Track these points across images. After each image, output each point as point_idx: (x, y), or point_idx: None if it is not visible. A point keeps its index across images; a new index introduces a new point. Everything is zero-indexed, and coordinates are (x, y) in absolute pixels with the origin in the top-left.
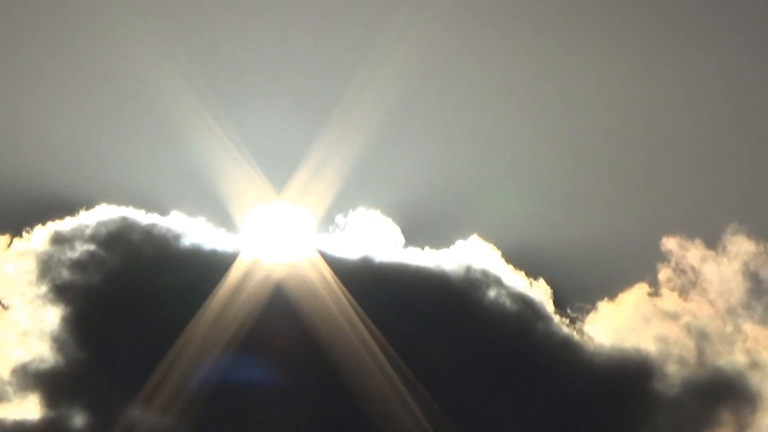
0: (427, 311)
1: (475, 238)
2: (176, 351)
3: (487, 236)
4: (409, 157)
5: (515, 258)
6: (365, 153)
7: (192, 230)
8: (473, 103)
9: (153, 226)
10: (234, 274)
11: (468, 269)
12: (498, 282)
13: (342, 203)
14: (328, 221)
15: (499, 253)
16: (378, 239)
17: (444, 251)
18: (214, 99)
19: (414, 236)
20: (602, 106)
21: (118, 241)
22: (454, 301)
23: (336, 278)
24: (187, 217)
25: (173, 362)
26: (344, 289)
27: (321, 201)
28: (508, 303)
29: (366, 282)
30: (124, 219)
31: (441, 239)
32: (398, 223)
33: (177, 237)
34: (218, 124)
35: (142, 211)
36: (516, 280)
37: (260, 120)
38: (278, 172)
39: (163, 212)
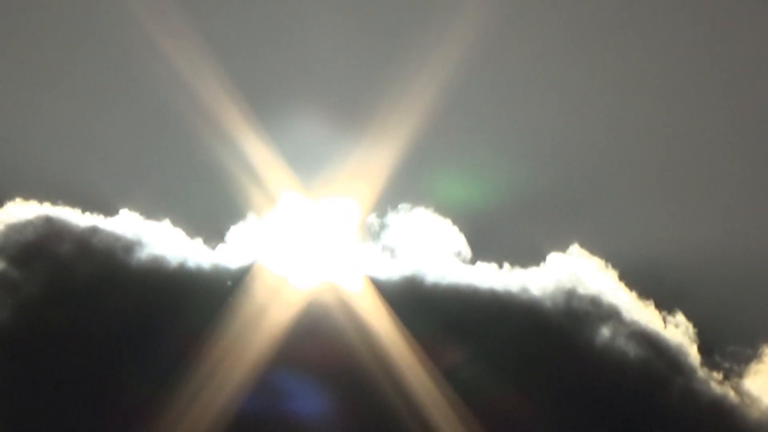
0: (510, 356)
1: (576, 251)
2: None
3: (594, 248)
4: (478, 136)
5: (639, 280)
6: (416, 130)
7: (153, 238)
8: (572, 67)
9: (93, 231)
10: (225, 305)
11: (569, 296)
12: (614, 315)
13: (381, 199)
14: (359, 224)
15: (614, 274)
16: (433, 250)
17: (532, 270)
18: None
19: (487, 247)
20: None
21: (40, 254)
22: (549, 342)
23: (382, 306)
24: (144, 219)
25: None
26: (392, 322)
27: (352, 196)
28: (630, 347)
29: (415, 312)
30: (48, 221)
31: (527, 252)
32: (463, 228)
33: (129, 248)
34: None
35: (77, 211)
36: (642, 314)
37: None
38: (292, 157)
39: (109, 211)
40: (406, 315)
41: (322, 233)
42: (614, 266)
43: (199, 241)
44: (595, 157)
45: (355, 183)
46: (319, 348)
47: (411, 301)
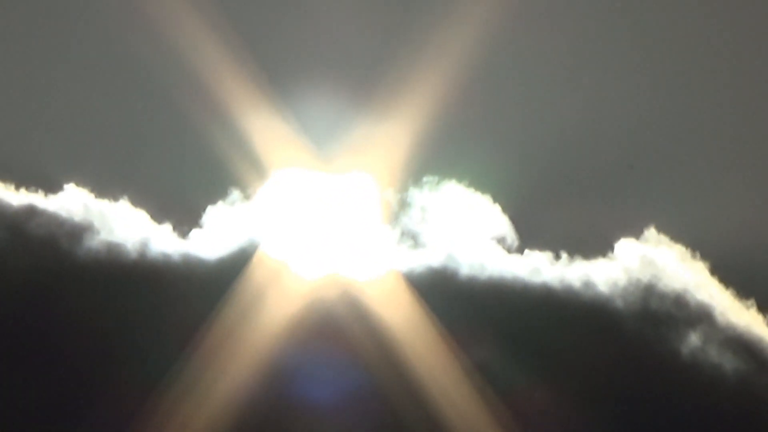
0: (571, 370)
1: (653, 236)
2: None
3: (677, 232)
4: (525, 94)
5: (736, 274)
6: (445, 89)
7: (107, 221)
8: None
9: (29, 212)
10: (204, 304)
11: (646, 294)
12: (705, 318)
13: (400, 170)
14: (375, 202)
15: (703, 265)
16: (468, 235)
17: (597, 261)
18: None
19: (538, 231)
20: None
21: None
22: (621, 351)
23: (405, 305)
24: (96, 198)
25: None
26: (418, 324)
27: (365, 168)
28: (725, 358)
29: (447, 312)
30: None
31: (590, 238)
32: (507, 208)
33: (76, 234)
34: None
35: (9, 186)
36: (740, 316)
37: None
38: (292, 122)
39: (50, 187)
40: (435, 316)
41: (328, 214)
42: (703, 256)
43: (167, 226)
44: (675, 118)
45: (367, 152)
46: (327, 354)
47: (441, 298)
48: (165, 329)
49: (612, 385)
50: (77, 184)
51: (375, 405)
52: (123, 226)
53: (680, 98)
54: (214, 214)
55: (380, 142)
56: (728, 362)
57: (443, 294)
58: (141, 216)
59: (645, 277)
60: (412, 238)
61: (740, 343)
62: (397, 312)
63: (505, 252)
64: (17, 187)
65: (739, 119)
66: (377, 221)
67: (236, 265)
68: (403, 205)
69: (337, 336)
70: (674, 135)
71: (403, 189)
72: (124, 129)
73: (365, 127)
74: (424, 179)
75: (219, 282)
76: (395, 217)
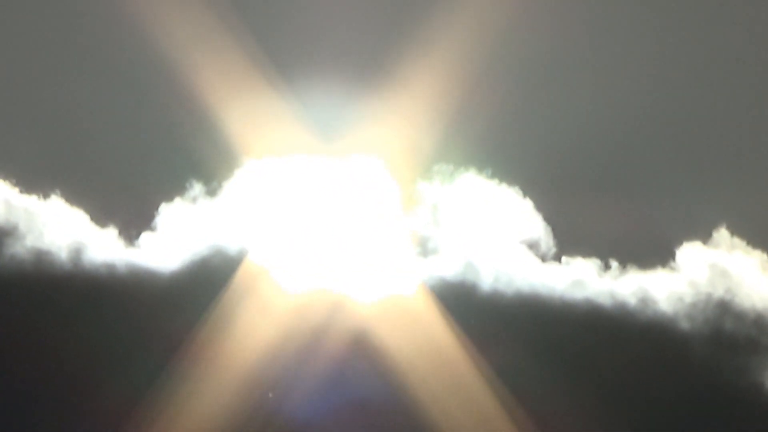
0: (627, 404)
1: (724, 240)
2: None
3: (754, 235)
4: (559, 67)
5: None
6: (463, 63)
7: (36, 223)
8: None
9: None
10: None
11: (718, 311)
12: None
13: (412, 158)
14: (375, 196)
15: None
16: (492, 238)
17: (656, 270)
18: None
19: (581, 234)
20: None
21: None
22: (690, 381)
23: (418, 324)
24: (21, 193)
25: None
26: (435, 347)
27: (363, 152)
28: None
29: (473, 334)
30: None
31: (646, 242)
32: (541, 205)
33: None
34: None
35: None
36: None
37: None
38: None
39: None
40: (452, 340)
41: (316, 214)
42: None
43: (111, 230)
44: (746, 100)
45: (365, 135)
46: (309, 395)
47: (459, 318)
48: (105, 355)
49: (679, 424)
50: (10, 182)
51: None
52: (55, 229)
53: (744, 80)
54: (169, 213)
55: (381, 123)
56: None
57: (461, 312)
58: (78, 217)
59: (716, 291)
60: (421, 243)
61: None
62: (405, 336)
63: (538, 260)
64: None
65: None
66: (377, 223)
67: (196, 278)
68: (410, 201)
69: (327, 369)
70: (747, 118)
71: (410, 181)
72: (56, 110)
73: (363, 105)
74: (435, 168)
75: (174, 299)
76: (400, 218)
